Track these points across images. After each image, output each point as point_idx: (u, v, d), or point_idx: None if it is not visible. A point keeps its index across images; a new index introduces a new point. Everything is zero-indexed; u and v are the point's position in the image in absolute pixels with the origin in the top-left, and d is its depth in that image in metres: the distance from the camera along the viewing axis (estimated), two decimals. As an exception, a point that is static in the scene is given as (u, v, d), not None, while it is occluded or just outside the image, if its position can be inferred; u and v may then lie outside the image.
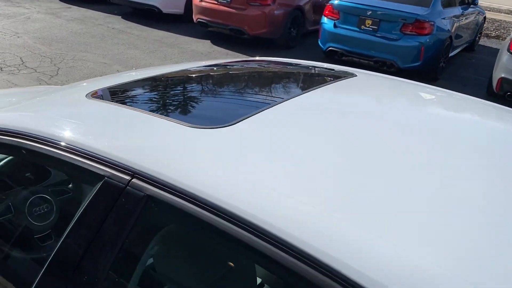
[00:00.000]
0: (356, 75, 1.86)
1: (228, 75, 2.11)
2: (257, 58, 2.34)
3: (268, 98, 1.60)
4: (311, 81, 1.94)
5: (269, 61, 2.28)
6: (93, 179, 1.17)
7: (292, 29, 8.01)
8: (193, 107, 1.56)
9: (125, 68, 6.29)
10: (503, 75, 5.86)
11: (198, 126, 1.27)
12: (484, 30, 10.72)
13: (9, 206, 1.65)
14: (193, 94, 1.76)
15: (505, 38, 10.88)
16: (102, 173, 1.16)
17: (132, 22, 8.89)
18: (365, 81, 1.87)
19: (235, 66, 2.21)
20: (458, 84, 7.15)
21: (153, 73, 1.98)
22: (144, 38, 7.92)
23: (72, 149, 1.23)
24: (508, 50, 5.85)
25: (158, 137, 1.24)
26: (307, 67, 2.13)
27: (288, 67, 2.17)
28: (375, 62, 6.82)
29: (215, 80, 1.98)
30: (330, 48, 7.08)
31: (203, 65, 2.18)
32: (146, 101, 1.66)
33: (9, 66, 5.91)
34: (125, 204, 1.10)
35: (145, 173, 1.10)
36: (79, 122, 1.39)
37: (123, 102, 1.56)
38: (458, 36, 7.64)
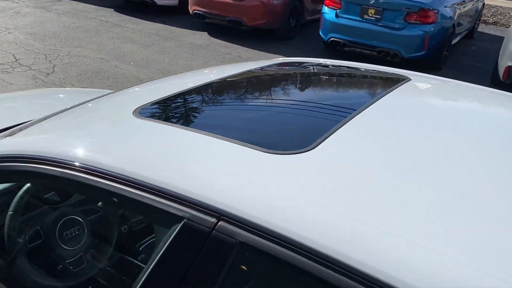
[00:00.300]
0: (410, 78, 1.73)
1: (284, 82, 1.92)
2: (293, 59, 2.18)
3: (336, 108, 1.45)
4: (370, 87, 1.80)
5: (308, 63, 2.12)
6: (169, 220, 1.02)
7: (291, 20, 7.83)
8: (260, 124, 1.38)
9: (122, 64, 6.10)
10: (510, 64, 5.77)
11: (276, 151, 1.11)
12: (482, 16, 10.63)
13: (38, 231, 1.51)
14: (255, 107, 1.56)
15: (503, 24, 10.81)
16: (180, 214, 1.00)
17: (125, 15, 8.64)
18: (427, 85, 1.74)
19: (282, 71, 2.03)
20: (461, 73, 7.06)
21: (199, 80, 1.77)
22: (139, 31, 7.70)
23: (142, 185, 1.06)
24: (515, 38, 5.74)
25: (237, 168, 1.07)
26: (357, 69, 1.98)
27: (338, 70, 2.01)
28: (379, 52, 6.69)
29: (273, 89, 1.80)
30: (332, 39, 6.93)
31: (247, 69, 1.98)
32: (207, 119, 1.47)
33: (2, 64, 5.69)
34: (213, 251, 0.95)
35: (235, 214, 0.95)
36: (139, 149, 1.20)
37: (180, 122, 1.37)
38: (459, 24, 7.53)
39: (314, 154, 1.09)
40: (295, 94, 1.69)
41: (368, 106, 1.36)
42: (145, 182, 1.06)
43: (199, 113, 1.51)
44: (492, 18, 11.33)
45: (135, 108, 1.42)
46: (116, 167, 1.11)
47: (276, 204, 0.94)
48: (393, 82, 1.68)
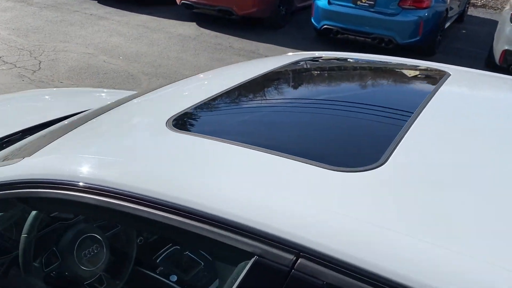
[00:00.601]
0: (448, 72, 1.62)
1: (323, 82, 1.74)
2: (311, 53, 2.04)
3: (391, 111, 1.32)
4: (414, 84, 1.68)
5: (335, 58, 1.97)
6: (235, 256, 0.88)
7: (281, 7, 7.67)
8: (312, 133, 1.21)
9: (111, 58, 5.89)
10: (506, 47, 5.72)
11: (343, 168, 0.96)
12: (470, -1, 10.59)
13: (54, 253, 1.37)
14: (300, 113, 1.40)
15: (492, 6, 10.80)
16: (250, 249, 0.85)
17: (110, 7, 8.37)
18: (470, 80, 1.63)
19: (315, 69, 1.87)
20: (455, 57, 7.01)
21: (227, 82, 1.57)
22: (126, 23, 7.46)
23: (196, 215, 0.91)
24: (511, 21, 5.68)
25: (306, 191, 0.92)
26: (392, 64, 1.85)
27: (373, 66, 1.87)
28: (373, 39, 6.59)
29: (314, 90, 1.63)
30: (325, 26, 6.79)
31: (273, 67, 1.77)
32: (252, 129, 1.28)
33: (-15, 62, 5.44)
34: None
35: (316, 250, 0.80)
36: (183, 172, 1.02)
37: (223, 134, 1.18)
38: (451, 8, 7.45)
39: (387, 170, 0.96)
40: (340, 96, 1.53)
41: (423, 108, 1.24)
42: (199, 211, 0.91)
43: (242, 123, 1.33)
44: (481, 1, 11.30)
45: (168, 118, 1.25)
46: (162, 194, 0.96)
47: (364, 237, 0.80)
48: (435, 78, 1.57)
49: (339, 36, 6.88)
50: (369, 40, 6.65)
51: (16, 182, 1.12)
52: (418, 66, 1.79)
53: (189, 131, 1.20)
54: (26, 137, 1.91)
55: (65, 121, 1.67)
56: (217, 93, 1.45)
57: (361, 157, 1.04)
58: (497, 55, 5.93)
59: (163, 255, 1.78)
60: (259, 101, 1.51)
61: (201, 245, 0.97)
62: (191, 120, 1.31)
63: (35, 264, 1.34)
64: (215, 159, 1.06)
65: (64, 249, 1.38)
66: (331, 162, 0.99)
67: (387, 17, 6.34)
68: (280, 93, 1.59)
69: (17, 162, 1.20)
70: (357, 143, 1.15)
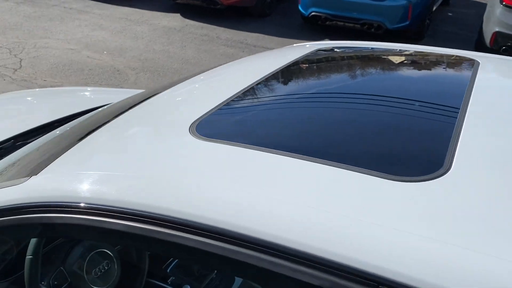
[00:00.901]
0: (476, 60, 1.52)
1: (353, 75, 1.58)
2: (331, 43, 1.92)
3: (437, 107, 1.20)
4: (448, 75, 1.57)
5: (357, 47, 1.83)
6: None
7: (267, -5, 7.52)
8: (361, 134, 1.06)
9: (95, 53, 5.68)
10: (497, 29, 5.67)
11: (406, 177, 0.83)
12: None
13: (62, 273, 1.24)
14: (342, 109, 1.26)
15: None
16: (317, 283, 0.72)
17: (90, 0, 8.09)
18: (500, 67, 1.53)
19: (346, 58, 1.72)
20: (444, 41, 6.96)
21: (248, 78, 1.40)
22: (107, 16, 7.22)
23: (252, 242, 0.77)
24: (501, 3, 5.64)
25: (370, 207, 0.78)
26: (420, 54, 1.73)
27: (398, 55, 1.74)
28: (362, 25, 6.49)
29: (349, 83, 1.46)
30: (313, 13, 6.66)
31: (295, 60, 1.59)
32: (291, 131, 1.11)
33: (-37, 62, 5.19)
34: None
35: (398, 282, 0.68)
36: (222, 188, 0.88)
37: (261, 140, 1.04)
38: (438, -9, 7.41)
39: (456, 175, 0.84)
40: (377, 91, 1.38)
41: (468, 101, 1.13)
42: (245, 236, 0.79)
43: (275, 125, 1.16)
44: (463, -17, 11.27)
45: (191, 123, 1.09)
46: (195, 216, 0.83)
47: (453, 264, 0.67)
48: (465, 66, 1.47)
49: (327, 23, 6.76)
50: (358, 26, 6.55)
51: (25, 206, 0.97)
52: (444, 54, 1.69)
53: (218, 137, 1.04)
54: (18, 144, 1.76)
55: (67, 128, 1.52)
56: (240, 91, 1.30)
57: (421, 162, 0.92)
58: (487, 37, 5.89)
59: (174, 263, 1.68)
60: (287, 98, 1.36)
61: (247, 275, 0.82)
62: (218, 124, 1.15)
63: (42, 287, 1.22)
64: (255, 171, 0.91)
65: (73, 268, 1.25)
66: (388, 170, 0.86)
67: (376, 2, 6.25)
68: (309, 89, 1.44)
69: (23, 182, 1.04)
70: (411, 145, 1.02)
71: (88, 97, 2.71)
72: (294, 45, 2.03)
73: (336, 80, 1.54)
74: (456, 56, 1.66)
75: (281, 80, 1.45)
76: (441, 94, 1.29)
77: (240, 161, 0.96)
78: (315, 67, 1.66)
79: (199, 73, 1.65)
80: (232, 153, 0.98)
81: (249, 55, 6.09)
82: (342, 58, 1.78)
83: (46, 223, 0.95)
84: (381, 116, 1.18)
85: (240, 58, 5.98)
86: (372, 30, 6.46)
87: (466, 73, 1.40)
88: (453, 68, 1.62)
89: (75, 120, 1.67)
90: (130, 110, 1.34)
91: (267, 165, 0.93)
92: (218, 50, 6.14)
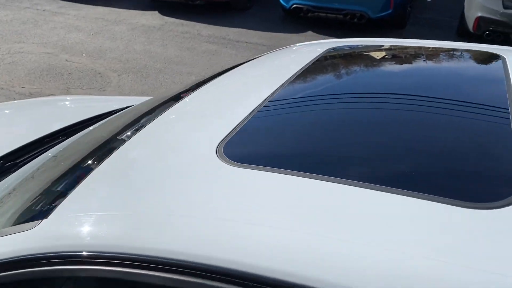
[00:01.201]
0: (502, 55, 1.44)
1: (385, 76, 1.43)
2: (352, 40, 1.79)
3: (480, 110, 1.09)
4: (482, 73, 1.47)
5: (371, 45, 1.69)
6: None
7: (246, -11, 7.39)
8: (413, 150, 0.93)
9: (74, 56, 5.48)
10: (479, 14, 5.68)
11: (482, 204, 0.72)
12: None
13: None
14: (382, 121, 1.09)
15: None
16: None
17: (63, 1, 7.82)
18: None
19: (366, 59, 1.58)
20: (426, 28, 6.96)
21: (269, 84, 1.21)
22: (83, 17, 6.99)
23: None
24: (483, -12, 5.64)
25: (444, 243, 0.66)
26: (444, 50, 1.62)
27: (426, 53, 1.63)
28: (345, 15, 6.42)
29: (382, 87, 1.31)
30: (295, 5, 6.57)
31: (313, 57, 1.42)
32: (336, 151, 0.97)
33: None
34: None
35: None
36: (269, 227, 0.73)
37: (305, 165, 0.88)
38: (417, -23, 7.39)
39: None
40: (416, 95, 1.23)
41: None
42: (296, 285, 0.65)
43: (317, 143, 0.99)
44: (439, -32, 11.31)
45: (217, 143, 0.93)
46: (233, 261, 0.69)
47: None
48: (494, 63, 1.38)
49: (309, 15, 6.68)
50: (341, 16, 6.48)
51: (39, 257, 0.82)
52: (468, 49, 1.60)
53: (255, 162, 0.88)
54: (8, 165, 1.62)
55: (62, 151, 1.36)
56: (264, 100, 1.14)
57: (496, 183, 0.80)
58: (470, 22, 5.90)
59: None
60: (320, 107, 1.20)
61: None
62: (250, 143, 0.99)
63: None
64: (312, 206, 0.75)
65: None
66: (455, 194, 0.75)
67: (358, -8, 6.19)
68: (341, 95, 1.29)
69: (32, 228, 0.88)
70: (474, 160, 0.89)
71: (70, 107, 2.55)
72: (299, 44, 1.92)
73: (369, 84, 1.39)
74: (481, 51, 1.56)
75: (304, 86, 1.32)
76: (485, 96, 1.19)
77: (290, 192, 0.80)
78: (340, 70, 1.54)
79: (203, 80, 1.51)
80: (278, 182, 0.82)
81: (233, 51, 5.97)
82: (362, 61, 1.64)
83: (69, 276, 0.81)
84: (427, 126, 1.05)
85: (224, 54, 5.88)
86: (355, 20, 6.40)
87: (497, 70, 1.32)
88: (483, 65, 1.54)
89: (69, 140, 1.52)
90: (141, 132, 1.16)
91: (323, 196, 0.79)
92: (200, 47, 6.00)
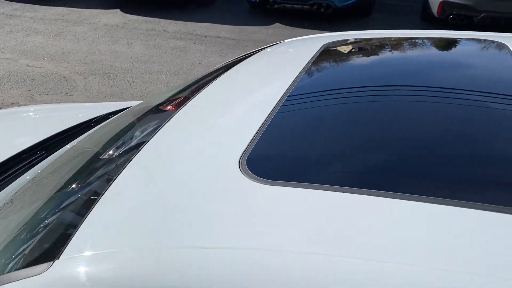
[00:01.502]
0: (503, 42, 1.41)
1: (402, 70, 1.31)
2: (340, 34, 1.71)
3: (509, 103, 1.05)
4: (495, 63, 1.42)
5: (375, 38, 1.61)
6: None
7: (209, -18, 7.25)
8: (459, 155, 0.83)
9: (35, 61, 5.23)
10: (443, -1, 5.78)
11: None
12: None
13: None
14: (408, 114, 1.00)
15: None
16: None
17: (17, 3, 7.46)
18: None
19: (375, 51, 1.49)
20: (391, 14, 7.03)
21: (278, 85, 1.09)
22: (41, 19, 6.69)
23: None
24: (445, -28, 5.73)
25: None
26: (453, 40, 1.56)
27: (436, 43, 1.56)
28: (311, 6, 6.40)
29: (405, 82, 1.20)
30: (261, -2, 6.50)
31: (316, 58, 1.29)
32: (384, 158, 0.82)
33: None
34: None
35: None
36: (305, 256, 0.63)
37: (345, 176, 0.76)
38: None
39: None
40: (446, 92, 1.11)
41: None
42: None
43: (356, 147, 0.86)
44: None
45: (239, 156, 0.79)
46: None
47: None
48: (503, 52, 1.35)
49: (275, 6, 6.62)
50: (307, 7, 6.45)
51: None
52: (475, 39, 1.56)
53: (285, 177, 0.75)
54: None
55: (52, 173, 1.23)
56: (278, 103, 0.99)
57: None
58: (434, 7, 5.99)
59: None
60: (341, 107, 1.05)
61: None
62: (276, 154, 0.85)
63: None
64: (359, 227, 0.63)
65: None
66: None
67: (323, -19, 6.18)
68: (362, 92, 1.14)
69: (43, 272, 0.73)
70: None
71: (34, 117, 2.36)
72: (288, 40, 1.85)
73: (387, 77, 1.27)
74: (486, 39, 1.52)
75: (315, 85, 1.21)
76: (502, 87, 1.15)
77: (331, 213, 0.68)
78: (352, 64, 1.45)
79: (196, 83, 1.40)
80: (315, 201, 0.69)
81: (202, 46, 5.85)
82: (372, 54, 1.56)
83: None
84: (468, 126, 0.96)
85: (192, 50, 5.73)
86: (322, 10, 6.39)
87: (508, 59, 1.28)
88: (494, 55, 1.49)
89: (57, 157, 1.39)
90: (146, 147, 1.00)
91: (372, 215, 0.66)
92: (167, 44, 5.85)
